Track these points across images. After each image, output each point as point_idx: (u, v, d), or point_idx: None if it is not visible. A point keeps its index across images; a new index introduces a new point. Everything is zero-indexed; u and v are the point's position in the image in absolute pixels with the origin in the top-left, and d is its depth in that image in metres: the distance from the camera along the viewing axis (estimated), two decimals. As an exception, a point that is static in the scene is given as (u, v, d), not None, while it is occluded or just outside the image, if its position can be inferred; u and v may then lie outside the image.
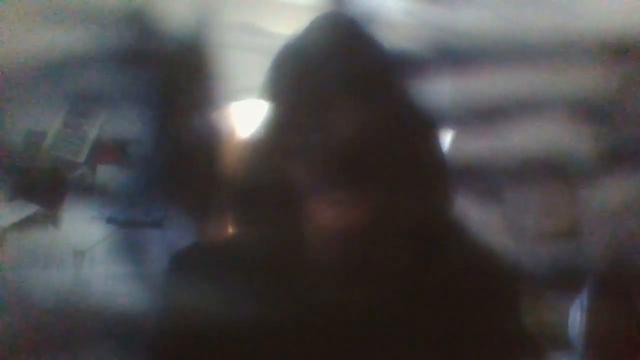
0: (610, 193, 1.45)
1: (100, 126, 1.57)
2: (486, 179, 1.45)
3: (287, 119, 1.03)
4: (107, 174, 1.56)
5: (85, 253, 1.53)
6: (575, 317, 1.47)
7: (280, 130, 1.03)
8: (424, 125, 1.09)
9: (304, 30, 1.06)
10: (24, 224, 1.53)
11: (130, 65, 1.54)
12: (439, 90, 1.21)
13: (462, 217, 1.11)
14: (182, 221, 1.50)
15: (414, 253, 1.04)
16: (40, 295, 1.48)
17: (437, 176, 1.09)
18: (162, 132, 1.54)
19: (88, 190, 1.56)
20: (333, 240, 1.04)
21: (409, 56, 1.14)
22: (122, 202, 1.54)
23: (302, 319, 1.03)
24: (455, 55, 1.46)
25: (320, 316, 1.03)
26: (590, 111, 1.47)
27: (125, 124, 1.56)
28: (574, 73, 1.45)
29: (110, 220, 1.53)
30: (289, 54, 1.05)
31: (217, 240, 1.24)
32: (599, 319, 1.45)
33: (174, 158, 1.53)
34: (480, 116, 1.46)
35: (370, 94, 1.01)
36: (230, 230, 1.12)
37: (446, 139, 1.44)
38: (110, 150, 1.57)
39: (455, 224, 1.10)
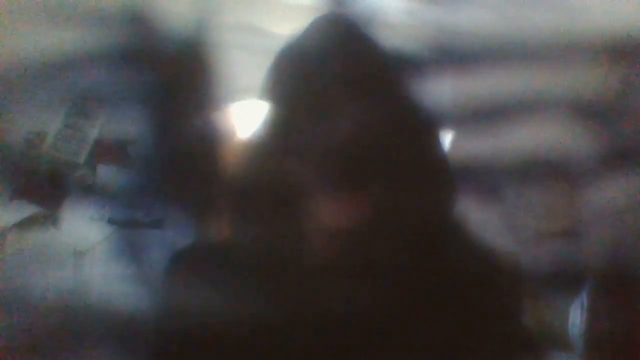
0: (610, 193, 1.45)
1: (100, 126, 1.57)
2: (486, 179, 1.45)
3: (286, 119, 1.03)
4: (107, 174, 1.56)
5: (85, 253, 1.53)
6: (575, 317, 1.47)
7: (280, 131, 1.03)
8: (424, 125, 1.09)
9: (303, 31, 1.06)
10: (24, 224, 1.53)
11: (130, 65, 1.54)
12: (439, 90, 1.21)
13: (462, 217, 1.11)
14: (182, 221, 1.50)
15: (415, 253, 1.04)
16: (40, 295, 1.48)
17: (438, 176, 1.09)
18: (162, 132, 1.54)
19: (88, 191, 1.56)
20: (333, 240, 1.04)
21: (409, 56, 1.14)
22: (123, 203, 1.54)
23: (302, 318, 1.03)
24: (455, 55, 1.46)
25: (320, 315, 1.03)
26: (590, 111, 1.47)
27: (125, 124, 1.56)
28: (574, 73, 1.45)
29: (110, 221, 1.53)
30: (289, 55, 1.05)
31: (217, 239, 1.24)
32: (599, 319, 1.45)
33: (174, 158, 1.53)
34: (480, 116, 1.46)
35: (370, 94, 1.01)
36: (231, 230, 1.12)
37: (446, 139, 1.44)
38: (110, 150, 1.57)
39: (455, 224, 1.10)
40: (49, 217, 1.54)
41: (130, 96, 1.55)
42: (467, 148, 1.42)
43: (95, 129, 1.57)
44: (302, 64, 1.03)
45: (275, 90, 1.05)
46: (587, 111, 1.47)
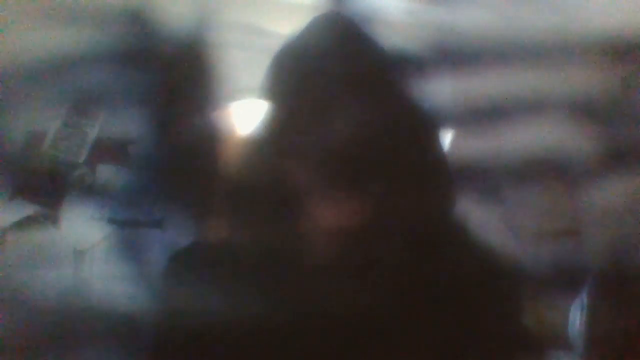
0: (610, 193, 1.45)
1: (100, 126, 1.57)
2: (486, 179, 1.45)
3: (286, 118, 1.03)
4: (107, 174, 1.56)
5: (85, 253, 1.53)
6: (575, 317, 1.47)
7: (280, 130, 1.03)
8: (424, 125, 1.09)
9: (302, 30, 1.06)
10: (24, 224, 1.53)
11: (130, 65, 1.54)
12: (439, 90, 1.21)
13: (462, 216, 1.11)
14: (182, 221, 1.50)
15: (414, 253, 1.04)
16: (40, 295, 1.48)
17: (437, 176, 1.09)
18: (162, 132, 1.54)
19: (88, 190, 1.56)
20: (333, 240, 1.04)
21: (409, 56, 1.14)
22: (122, 202, 1.54)
23: (301, 318, 1.03)
24: (455, 55, 1.46)
25: (319, 316, 1.03)
26: (590, 111, 1.47)
27: (125, 124, 1.56)
28: (574, 73, 1.45)
29: (110, 220, 1.53)
30: (288, 54, 1.05)
31: (216, 240, 1.24)
32: (599, 319, 1.45)
33: (174, 158, 1.53)
34: (480, 116, 1.46)
35: (370, 93, 1.01)
36: (230, 229, 1.12)
37: (446, 139, 1.44)
38: (110, 150, 1.57)
39: (455, 224, 1.10)
40: (49, 217, 1.55)
41: (130, 96, 1.55)
42: (467, 148, 1.42)
43: (95, 129, 1.57)
44: (301, 63, 1.03)
45: (275, 89, 1.05)
46: (587, 111, 1.47)
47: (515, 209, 1.48)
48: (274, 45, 1.07)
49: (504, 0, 1.49)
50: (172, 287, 1.12)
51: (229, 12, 1.50)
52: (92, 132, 1.57)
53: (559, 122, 1.47)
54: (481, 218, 1.27)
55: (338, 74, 1.00)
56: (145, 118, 1.55)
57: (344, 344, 1.04)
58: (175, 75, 1.54)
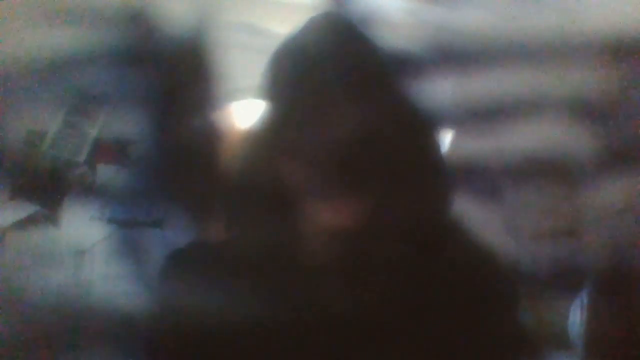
0: (610, 193, 1.45)
1: (100, 126, 1.57)
2: (486, 179, 1.45)
3: (284, 118, 1.03)
4: (107, 173, 1.56)
5: (85, 253, 1.53)
6: (575, 317, 1.47)
7: (279, 130, 1.04)
8: (423, 125, 1.09)
9: (300, 30, 1.06)
10: (24, 224, 1.53)
11: (130, 65, 1.54)
12: (439, 90, 1.21)
13: (461, 217, 1.11)
14: (182, 221, 1.50)
15: (413, 253, 1.04)
16: (40, 295, 1.48)
17: (435, 176, 1.09)
18: (162, 132, 1.54)
19: (88, 190, 1.56)
20: (331, 239, 1.04)
21: (407, 56, 1.14)
22: (122, 202, 1.54)
23: (300, 318, 1.03)
24: (455, 55, 1.46)
25: (318, 316, 1.03)
26: (590, 111, 1.47)
27: (125, 124, 1.56)
28: (574, 73, 1.45)
29: (110, 220, 1.53)
30: (286, 54, 1.06)
31: (214, 239, 1.24)
32: (599, 319, 1.45)
33: (174, 158, 1.53)
34: (480, 116, 1.46)
35: (368, 93, 1.01)
36: (229, 229, 1.12)
37: (446, 139, 1.44)
38: (110, 150, 1.57)
39: (454, 224, 1.10)
40: (49, 217, 1.55)
41: (130, 96, 1.55)
42: (467, 148, 1.42)
43: (95, 129, 1.57)
44: (297, 62, 1.03)
45: (272, 89, 1.05)
46: (587, 111, 1.47)
47: (515, 209, 1.48)
48: (274, 45, 1.07)
49: (504, 0, 1.49)
50: (171, 286, 1.12)
51: (229, 12, 1.50)
52: (92, 132, 1.57)
53: (559, 122, 1.46)
54: (480, 218, 1.27)
55: (335, 74, 1.00)
56: (145, 118, 1.55)
57: (342, 344, 1.04)
58: (175, 75, 1.54)
